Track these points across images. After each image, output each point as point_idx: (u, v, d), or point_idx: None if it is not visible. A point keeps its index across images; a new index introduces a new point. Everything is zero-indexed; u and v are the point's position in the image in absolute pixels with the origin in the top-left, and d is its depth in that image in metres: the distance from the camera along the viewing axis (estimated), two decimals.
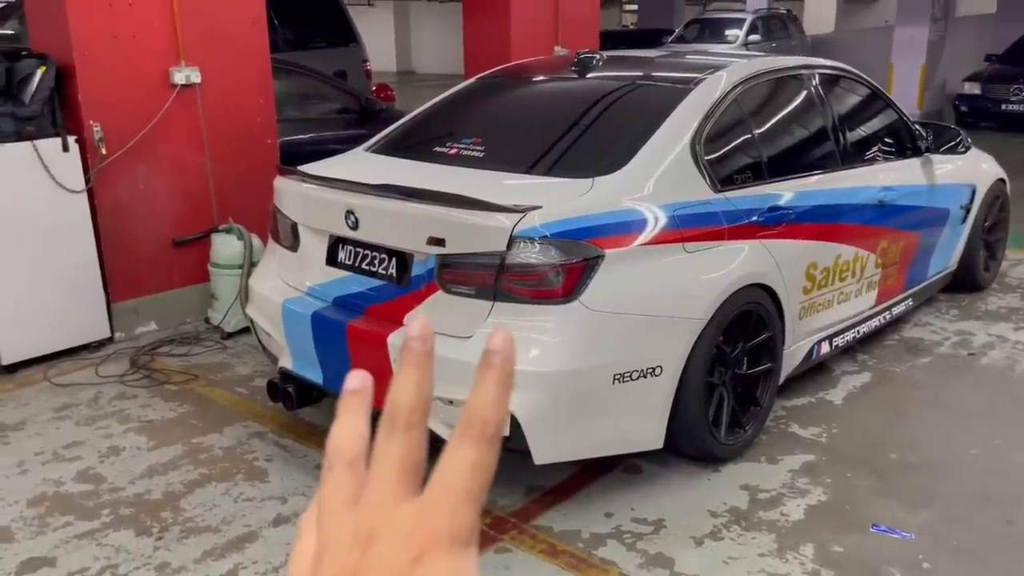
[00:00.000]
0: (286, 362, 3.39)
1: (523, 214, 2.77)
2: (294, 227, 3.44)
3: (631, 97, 3.63)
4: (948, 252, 4.98)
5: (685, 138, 3.29)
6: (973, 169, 5.12)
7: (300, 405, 3.44)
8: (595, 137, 3.41)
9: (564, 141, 3.41)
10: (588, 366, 2.79)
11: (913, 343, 4.60)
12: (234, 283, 4.76)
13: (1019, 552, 2.80)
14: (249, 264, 4.74)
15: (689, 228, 3.10)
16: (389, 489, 0.41)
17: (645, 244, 2.95)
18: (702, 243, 3.13)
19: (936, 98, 13.88)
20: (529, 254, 2.76)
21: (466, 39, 7.48)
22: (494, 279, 2.79)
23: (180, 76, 4.71)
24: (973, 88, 12.49)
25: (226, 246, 4.79)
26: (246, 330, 4.80)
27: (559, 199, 2.93)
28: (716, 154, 3.40)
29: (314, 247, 3.37)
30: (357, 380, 0.45)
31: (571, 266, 2.77)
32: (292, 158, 4.50)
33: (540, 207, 2.81)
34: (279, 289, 3.46)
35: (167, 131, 4.75)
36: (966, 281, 5.29)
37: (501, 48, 6.91)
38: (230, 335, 4.76)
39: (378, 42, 23.49)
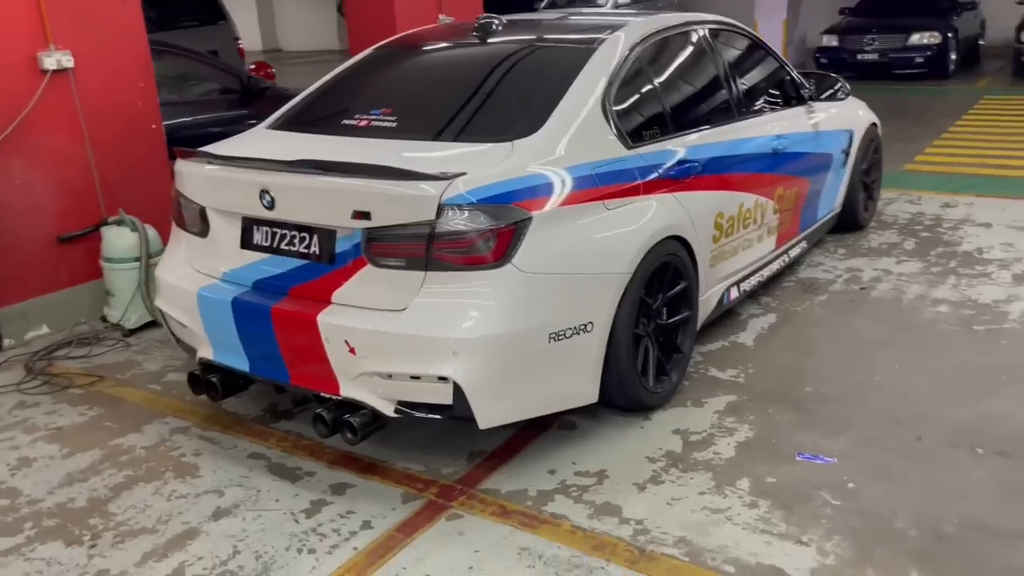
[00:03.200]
0: (206, 352, 3.27)
1: (449, 182, 2.75)
2: (202, 211, 3.30)
3: (537, 59, 3.64)
4: (833, 195, 5.27)
5: (595, 97, 3.34)
6: (851, 115, 5.41)
7: (226, 395, 3.34)
8: (508, 101, 3.42)
9: (478, 107, 3.40)
10: (525, 328, 2.82)
11: (809, 283, 4.86)
12: (131, 277, 4.53)
13: (930, 464, 3.03)
14: (147, 256, 4.52)
15: (608, 186, 3.16)
16: None
17: (569, 204, 2.99)
18: (621, 199, 3.20)
19: (798, 52, 14.52)
20: (459, 221, 2.75)
21: (348, 12, 7.32)
22: (425, 249, 2.77)
23: (50, 61, 4.41)
24: (831, 40, 13.15)
25: (119, 239, 4.55)
26: (149, 325, 4.59)
27: (482, 165, 2.92)
28: (625, 112, 3.46)
29: (226, 231, 3.24)
30: None
31: (501, 230, 2.78)
32: (174, 142, 4.30)
33: (465, 174, 2.80)
34: (191, 278, 3.32)
35: (41, 121, 4.44)
36: (849, 221, 5.62)
37: (386, 19, 6.78)
38: (132, 331, 4.54)
39: (240, 20, 22.48)
